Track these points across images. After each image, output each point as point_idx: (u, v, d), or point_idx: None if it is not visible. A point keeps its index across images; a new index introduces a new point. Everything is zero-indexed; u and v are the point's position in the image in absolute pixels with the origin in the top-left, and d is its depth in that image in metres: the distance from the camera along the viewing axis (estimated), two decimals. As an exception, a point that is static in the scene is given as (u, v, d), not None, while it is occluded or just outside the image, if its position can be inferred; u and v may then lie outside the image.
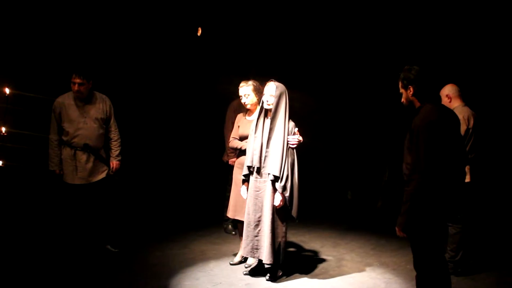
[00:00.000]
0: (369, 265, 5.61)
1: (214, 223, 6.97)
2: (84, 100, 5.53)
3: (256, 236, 4.94)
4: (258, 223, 4.94)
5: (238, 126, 5.56)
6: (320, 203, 8.81)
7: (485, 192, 6.66)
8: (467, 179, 5.05)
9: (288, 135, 4.95)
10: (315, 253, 6.02)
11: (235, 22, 8.42)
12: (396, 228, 3.78)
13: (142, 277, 5.04)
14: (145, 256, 5.71)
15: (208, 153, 7.97)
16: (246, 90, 5.39)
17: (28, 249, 5.70)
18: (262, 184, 4.95)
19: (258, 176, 4.98)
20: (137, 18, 7.72)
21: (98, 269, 5.24)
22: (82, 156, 5.51)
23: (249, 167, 5.03)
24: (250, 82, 5.41)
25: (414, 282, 4.04)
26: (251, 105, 5.42)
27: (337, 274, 5.28)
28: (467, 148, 5.04)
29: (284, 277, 5.08)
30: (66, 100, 5.52)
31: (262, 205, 4.94)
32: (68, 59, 6.50)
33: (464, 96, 5.30)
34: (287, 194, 4.87)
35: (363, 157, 9.00)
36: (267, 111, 5.01)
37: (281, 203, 4.86)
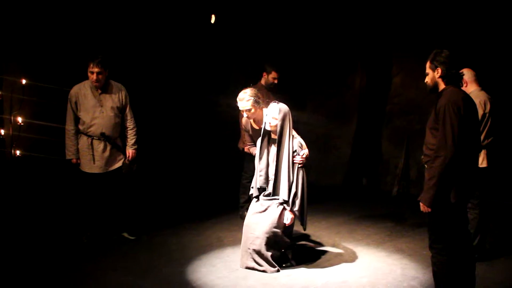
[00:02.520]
0: (385, 251, 5.61)
1: (230, 210, 7.00)
2: (101, 89, 5.56)
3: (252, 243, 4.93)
4: (256, 237, 4.90)
5: (250, 134, 5.48)
6: (336, 190, 8.81)
7: (502, 177, 6.63)
8: (484, 164, 5.03)
9: (293, 154, 4.91)
10: (330, 239, 6.02)
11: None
12: (421, 204, 3.88)
13: (158, 264, 5.08)
14: (162, 243, 5.76)
15: (224, 140, 8.00)
16: (246, 105, 5.11)
17: (46, 238, 5.77)
18: (268, 202, 4.97)
19: (265, 196, 5.00)
20: (152, 6, 7.73)
21: (115, 256, 5.29)
22: (99, 145, 5.55)
23: (258, 189, 5.04)
24: (248, 95, 5.10)
25: (431, 268, 4.05)
26: (254, 116, 5.22)
27: (353, 260, 5.29)
28: (484, 133, 5.02)
29: (294, 263, 5.11)
30: (82, 89, 5.55)
31: (264, 219, 4.91)
32: (83, 49, 6.53)
33: (480, 81, 5.25)
34: (296, 208, 4.89)
35: (378, 144, 8.96)
36: (270, 133, 4.98)
37: (292, 221, 4.90)
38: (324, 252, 5.56)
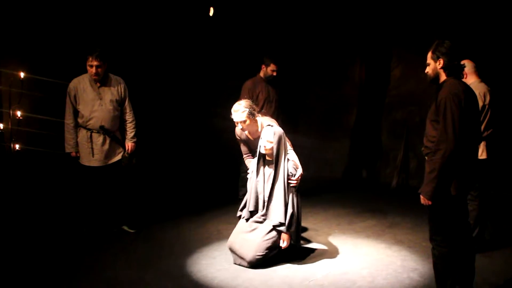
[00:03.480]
0: (385, 242, 5.62)
1: (229, 203, 7.00)
2: (100, 82, 5.54)
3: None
4: (243, 260, 4.87)
5: (245, 144, 5.38)
6: (336, 182, 8.82)
7: (502, 169, 6.63)
8: (484, 156, 5.03)
9: (288, 175, 4.88)
10: (330, 231, 6.03)
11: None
12: (421, 196, 3.87)
13: (159, 257, 5.10)
14: (162, 236, 5.77)
15: (224, 133, 8.00)
16: (241, 117, 4.97)
17: (46, 231, 5.78)
18: (256, 224, 4.95)
19: (259, 217, 4.97)
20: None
21: (115, 249, 5.30)
22: (98, 138, 5.55)
23: (251, 212, 5.00)
24: (243, 106, 4.98)
25: (430, 260, 4.06)
26: (248, 127, 5.08)
27: (353, 252, 5.30)
28: (484, 125, 5.01)
29: (294, 256, 5.12)
30: (81, 83, 5.54)
31: (252, 243, 4.85)
32: (81, 42, 6.51)
33: (479, 72, 5.24)
34: (292, 229, 4.88)
35: (378, 136, 8.96)
36: (264, 155, 4.93)
37: (288, 243, 4.89)
38: (324, 244, 5.56)
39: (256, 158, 5.01)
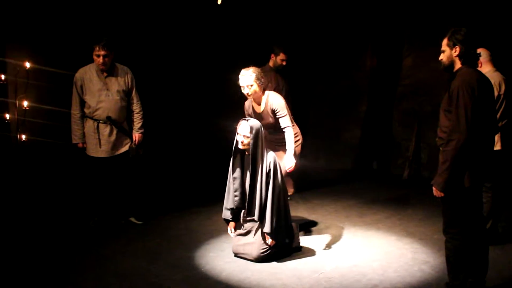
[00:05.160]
0: (396, 235, 5.54)
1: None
2: (106, 72, 5.49)
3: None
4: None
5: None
6: (346, 173, 8.74)
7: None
8: (498, 147, 4.93)
9: (272, 168, 4.71)
10: (340, 223, 5.96)
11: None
12: (434, 188, 3.81)
13: (167, 248, 5.07)
14: (170, 227, 5.74)
15: (231, 124, 7.92)
16: (248, 80, 5.03)
17: (53, 223, 5.77)
18: (249, 224, 4.85)
19: (244, 217, 4.87)
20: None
21: (122, 241, 5.27)
22: (105, 129, 5.50)
23: (232, 210, 4.88)
24: (251, 71, 5.05)
25: (442, 252, 3.99)
26: (255, 95, 5.13)
27: (363, 244, 5.23)
28: (498, 115, 4.90)
29: (303, 248, 5.05)
30: (88, 73, 5.49)
31: (251, 245, 4.78)
32: (87, 31, 6.45)
33: (494, 61, 5.12)
34: (266, 230, 4.68)
35: (389, 126, 8.85)
36: (242, 150, 4.79)
37: (272, 242, 4.75)
38: (334, 236, 5.50)
39: (232, 154, 4.85)
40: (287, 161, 5.19)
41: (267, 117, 5.29)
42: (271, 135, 5.47)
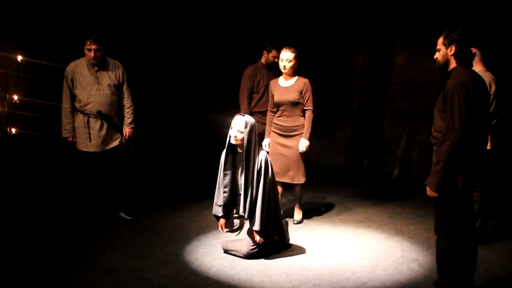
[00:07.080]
0: (386, 233, 5.56)
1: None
2: (97, 66, 5.45)
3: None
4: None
5: (273, 94, 5.66)
6: (337, 171, 8.75)
7: (506, 160, 6.54)
8: (488, 146, 4.94)
9: (263, 166, 4.67)
10: (330, 220, 5.97)
11: None
12: (427, 188, 3.81)
13: (157, 244, 5.05)
14: (159, 223, 5.72)
15: (223, 118, 7.91)
16: (289, 56, 5.53)
17: (42, 217, 5.74)
18: (240, 220, 4.84)
19: (235, 213, 4.86)
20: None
21: (112, 236, 5.25)
22: (96, 124, 5.47)
23: (223, 206, 4.83)
24: (294, 49, 5.55)
25: (431, 250, 4.00)
26: (289, 70, 5.57)
27: (353, 242, 5.24)
28: (489, 115, 4.92)
29: (292, 245, 5.06)
30: (79, 67, 5.45)
31: (241, 242, 4.77)
32: (78, 25, 6.42)
33: (485, 61, 5.14)
34: (255, 227, 4.64)
35: (380, 124, 8.87)
36: (235, 145, 4.75)
37: (260, 240, 4.71)
38: (324, 233, 5.51)
39: (224, 150, 4.81)
40: (301, 142, 5.62)
41: (290, 92, 5.62)
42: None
